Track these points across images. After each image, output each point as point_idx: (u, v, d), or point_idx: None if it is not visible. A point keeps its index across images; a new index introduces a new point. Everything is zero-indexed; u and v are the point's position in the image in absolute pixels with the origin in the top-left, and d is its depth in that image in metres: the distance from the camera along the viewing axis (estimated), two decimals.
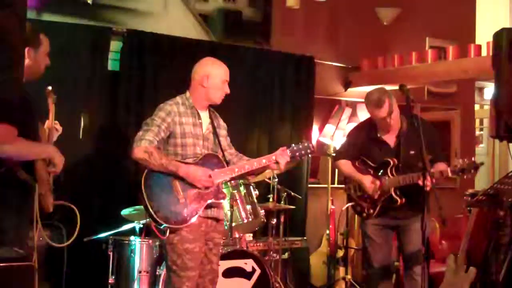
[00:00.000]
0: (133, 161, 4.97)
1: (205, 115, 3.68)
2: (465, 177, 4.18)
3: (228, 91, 3.68)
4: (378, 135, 4.31)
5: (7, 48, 2.31)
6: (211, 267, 3.65)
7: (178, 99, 3.64)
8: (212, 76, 3.61)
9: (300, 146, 3.67)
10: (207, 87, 3.61)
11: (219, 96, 3.66)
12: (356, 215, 6.01)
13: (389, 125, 4.21)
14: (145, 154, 3.39)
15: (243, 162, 3.69)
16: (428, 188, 3.71)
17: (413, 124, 3.71)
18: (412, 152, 4.13)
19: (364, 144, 4.37)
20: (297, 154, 3.65)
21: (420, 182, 3.87)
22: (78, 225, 3.13)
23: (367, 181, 4.27)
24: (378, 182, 4.24)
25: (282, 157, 3.62)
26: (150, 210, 3.38)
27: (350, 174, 4.41)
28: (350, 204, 4.56)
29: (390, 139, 4.30)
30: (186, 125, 3.57)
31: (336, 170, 6.27)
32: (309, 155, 3.78)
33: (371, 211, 4.33)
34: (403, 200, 4.20)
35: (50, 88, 3.36)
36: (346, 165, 4.43)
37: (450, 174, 4.05)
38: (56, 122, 3.44)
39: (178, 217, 3.42)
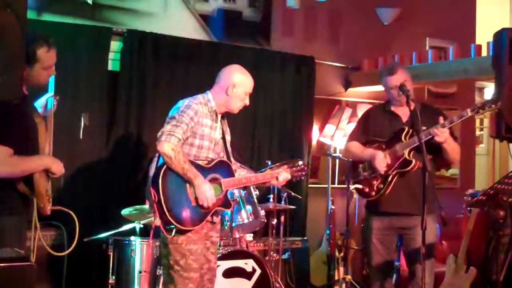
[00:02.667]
0: (133, 160, 4.93)
1: (219, 120, 3.65)
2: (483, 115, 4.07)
3: (248, 103, 3.66)
4: (392, 108, 4.22)
5: (6, 49, 2.30)
6: (209, 266, 3.64)
7: (201, 98, 3.57)
8: (238, 86, 3.58)
9: (298, 168, 3.80)
10: (230, 96, 3.57)
11: (239, 106, 3.64)
12: (356, 216, 6.02)
13: (401, 95, 4.06)
14: (173, 152, 3.32)
15: (247, 173, 3.73)
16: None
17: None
18: (424, 128, 3.95)
19: (375, 119, 4.29)
20: (295, 175, 3.81)
21: (436, 138, 3.90)
22: (77, 231, 3.11)
23: (379, 156, 4.13)
24: (389, 159, 4.12)
25: (284, 176, 3.73)
26: (164, 206, 3.32)
27: (361, 152, 4.29)
28: (356, 186, 4.37)
29: (403, 112, 4.17)
30: (205, 127, 3.53)
31: (336, 170, 6.27)
32: (302, 178, 3.92)
33: (381, 186, 4.19)
34: (417, 163, 4.01)
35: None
36: (356, 146, 4.34)
37: (469, 113, 3.79)
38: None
39: (187, 219, 3.40)
